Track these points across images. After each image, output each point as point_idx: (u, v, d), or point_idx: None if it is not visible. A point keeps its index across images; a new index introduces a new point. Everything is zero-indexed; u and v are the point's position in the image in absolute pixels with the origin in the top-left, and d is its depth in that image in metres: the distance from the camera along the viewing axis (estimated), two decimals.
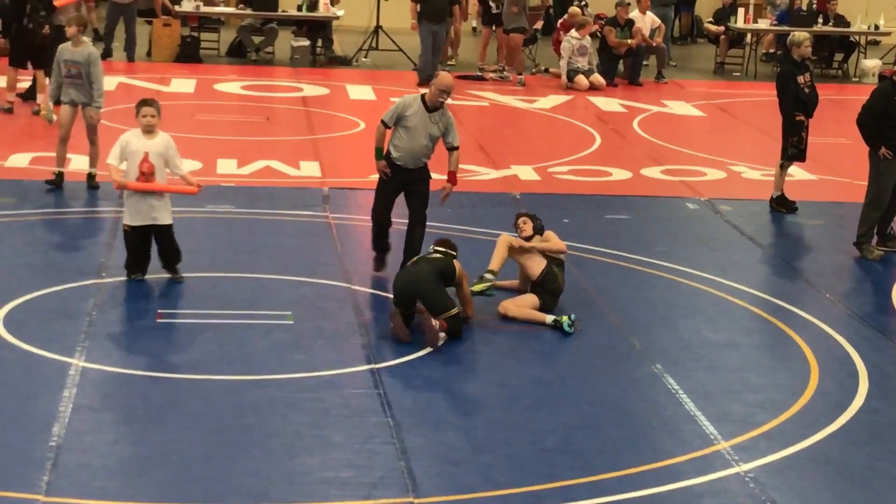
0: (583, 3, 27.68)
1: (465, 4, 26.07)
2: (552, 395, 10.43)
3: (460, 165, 13.33)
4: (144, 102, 12.60)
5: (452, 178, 13.02)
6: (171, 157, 12.44)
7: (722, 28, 27.97)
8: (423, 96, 12.76)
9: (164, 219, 12.34)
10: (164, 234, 12.40)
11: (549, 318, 11.83)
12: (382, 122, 12.82)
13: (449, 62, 25.95)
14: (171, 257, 12.52)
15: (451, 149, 12.95)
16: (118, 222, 14.38)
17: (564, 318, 11.72)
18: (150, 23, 26.03)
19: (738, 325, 12.46)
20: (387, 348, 11.09)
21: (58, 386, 9.93)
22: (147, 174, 12.23)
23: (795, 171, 17.21)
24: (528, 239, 12.37)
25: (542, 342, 11.54)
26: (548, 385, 10.63)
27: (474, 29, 30.19)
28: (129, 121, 19.47)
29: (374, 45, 27.06)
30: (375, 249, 13.15)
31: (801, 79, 16.03)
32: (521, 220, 12.55)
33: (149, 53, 25.77)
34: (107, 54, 24.86)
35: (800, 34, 16.65)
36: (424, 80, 23.34)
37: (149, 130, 12.43)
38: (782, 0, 29.01)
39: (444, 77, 12.86)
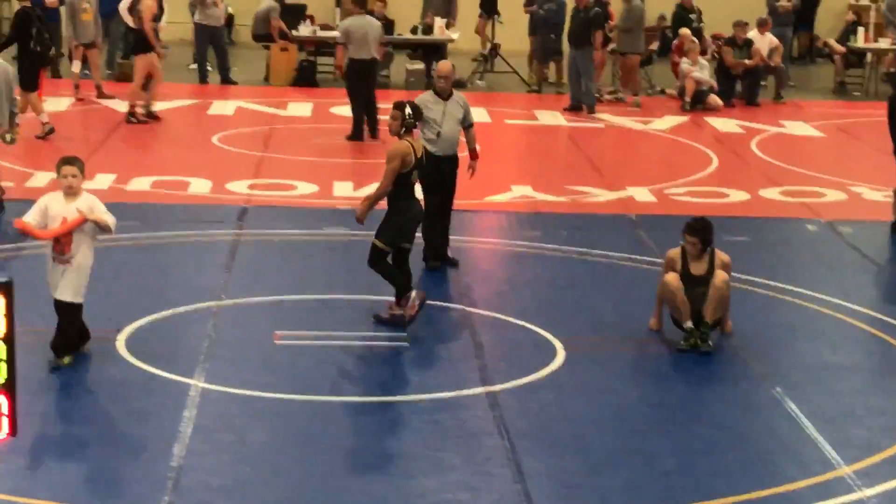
0: (700, 24, 27.56)
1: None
2: (669, 418, 10.37)
3: (574, 187, 13.35)
4: (66, 161, 10.81)
5: (475, 154, 14.08)
6: (99, 216, 10.57)
7: (842, 48, 27.68)
8: (433, 89, 13.92)
9: (65, 294, 10.71)
10: (64, 311, 10.78)
11: (689, 325, 11.71)
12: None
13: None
14: (61, 340, 10.81)
15: (468, 127, 13.95)
16: (237, 245, 14.58)
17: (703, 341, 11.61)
18: (267, 48, 26.34)
19: (860, 349, 12.30)
20: (503, 371, 11.08)
21: (178, 406, 10.06)
22: (63, 243, 10.56)
23: None
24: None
25: (659, 364, 11.48)
26: (665, 408, 10.57)
27: None
28: (249, 143, 19.77)
29: (489, 67, 27.14)
30: (427, 242, 13.85)
31: None
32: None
33: (266, 78, 26.08)
34: (203, 79, 25.19)
35: None
36: (574, 107, 23.44)
37: (71, 193, 10.64)
38: None
39: (441, 64, 14.15)
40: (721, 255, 11.89)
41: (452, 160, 13.83)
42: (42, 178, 17.13)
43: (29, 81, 19.78)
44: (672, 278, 11.72)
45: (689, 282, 11.76)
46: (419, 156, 12.14)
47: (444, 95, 13.76)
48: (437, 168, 13.50)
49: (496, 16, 27.75)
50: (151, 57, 21.27)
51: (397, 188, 11.98)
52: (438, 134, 13.55)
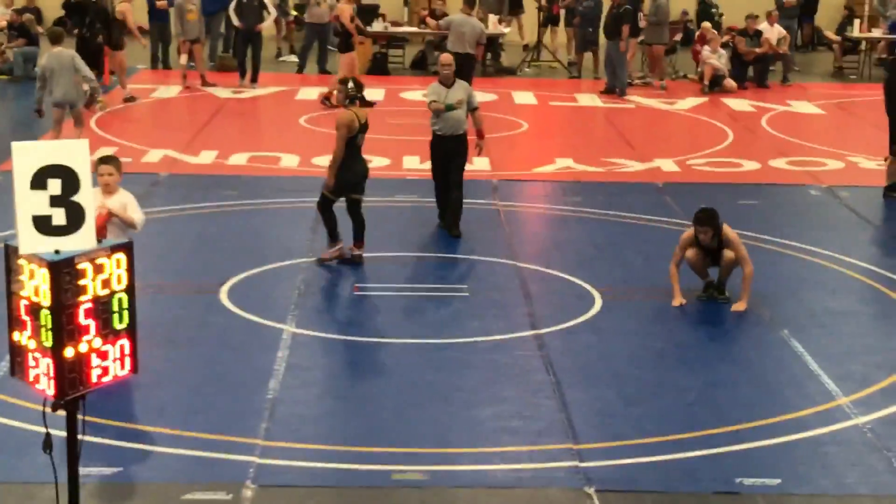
0: (720, 16, 27.32)
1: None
2: (693, 356, 10.33)
3: (609, 159, 13.24)
4: (103, 160, 10.08)
5: (481, 133, 13.67)
6: (125, 215, 9.89)
7: (839, 38, 27.37)
8: (438, 80, 13.63)
9: None
10: None
11: (708, 278, 11.63)
12: (430, 102, 13.55)
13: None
14: None
15: (473, 110, 13.56)
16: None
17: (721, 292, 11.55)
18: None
19: (857, 296, 12.19)
20: (549, 316, 11.06)
21: (273, 348, 10.11)
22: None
23: None
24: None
25: (683, 311, 11.40)
26: (688, 348, 10.53)
27: None
28: (331, 124, 19.79)
29: (535, 57, 27.00)
30: (439, 206, 13.77)
31: None
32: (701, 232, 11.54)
33: None
34: (301, 68, 25.21)
35: None
36: (609, 90, 23.31)
37: (108, 190, 9.94)
38: (893, 13, 28.22)
39: (443, 56, 14.00)
40: (728, 232, 11.64)
41: (458, 139, 13.53)
42: (155, 154, 17.24)
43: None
44: (692, 254, 11.57)
45: (698, 251, 11.66)
46: (363, 122, 12.29)
47: (448, 83, 13.49)
48: (442, 146, 13.49)
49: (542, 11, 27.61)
50: (354, 55, 21.35)
51: (346, 149, 12.19)
52: (451, 109, 13.35)
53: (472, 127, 13.71)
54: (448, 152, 13.49)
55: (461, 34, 20.23)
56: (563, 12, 27.64)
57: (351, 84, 12.34)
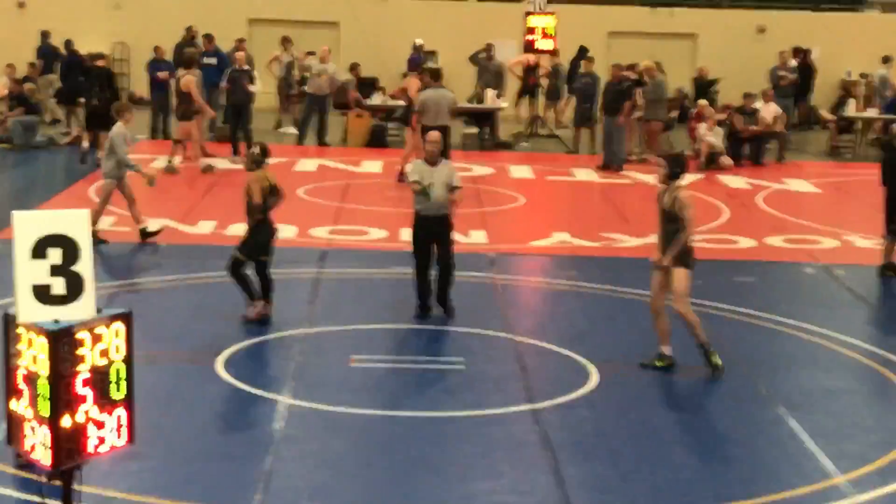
0: (716, 93, 27.55)
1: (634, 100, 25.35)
2: (689, 432, 10.29)
3: (606, 233, 13.18)
4: None
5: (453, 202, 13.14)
6: None
7: (833, 117, 27.58)
8: (424, 158, 13.16)
9: None
10: None
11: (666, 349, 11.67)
12: (412, 183, 13.05)
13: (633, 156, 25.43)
14: None
15: (452, 189, 13.03)
16: (318, 281, 14.61)
17: (715, 360, 11.54)
18: (344, 114, 26.47)
19: (853, 375, 12.16)
20: (545, 391, 11.03)
21: (268, 419, 10.07)
22: None
23: None
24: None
25: (680, 387, 11.39)
26: (685, 424, 10.49)
27: None
28: (329, 196, 19.85)
29: (532, 131, 27.16)
30: (418, 297, 13.19)
31: None
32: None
33: (343, 140, 26.18)
34: (301, 139, 25.39)
35: None
36: (606, 165, 23.42)
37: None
38: (888, 94, 28.48)
39: (429, 134, 13.37)
40: (683, 195, 11.76)
41: (442, 220, 13.01)
42: (154, 223, 17.27)
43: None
44: (656, 303, 11.67)
45: (660, 216, 11.88)
46: (272, 184, 12.68)
47: (433, 161, 13.02)
48: (427, 227, 13.00)
49: (538, 88, 27.82)
50: (193, 123, 21.81)
51: (260, 212, 12.60)
52: (427, 195, 12.83)
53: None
54: (431, 233, 13.02)
55: (438, 108, 20.35)
56: (565, 86, 27.89)
57: (256, 150, 12.73)
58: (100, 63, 23.66)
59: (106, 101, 21.88)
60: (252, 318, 12.69)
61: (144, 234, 16.15)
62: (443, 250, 13.07)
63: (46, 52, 28.93)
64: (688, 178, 22.55)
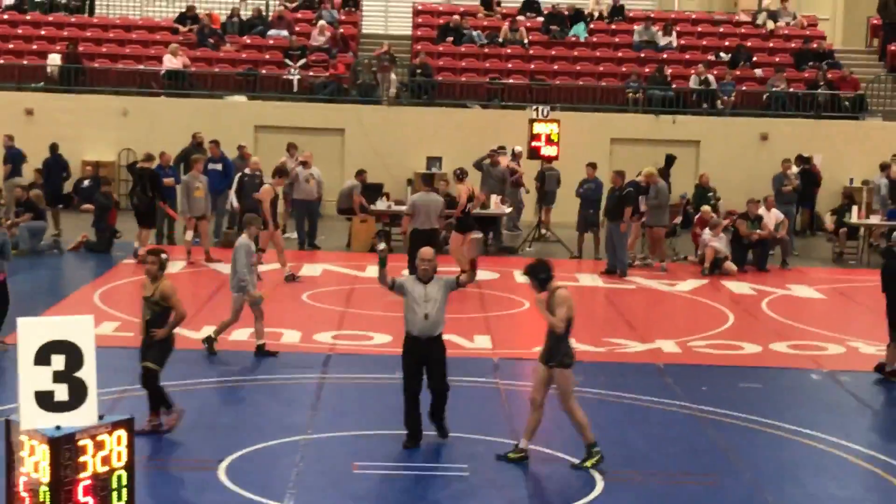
0: (717, 199, 27.67)
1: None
2: None
3: (610, 339, 13.15)
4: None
5: (472, 261, 12.96)
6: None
7: (833, 226, 27.75)
8: (416, 275, 12.41)
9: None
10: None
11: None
12: (391, 282, 12.44)
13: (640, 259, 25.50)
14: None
15: (459, 285, 12.44)
16: (321, 387, 14.57)
17: (591, 462, 11.66)
18: (349, 219, 26.58)
19: (861, 483, 12.07)
20: (550, 499, 10.94)
21: None
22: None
23: None
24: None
25: (687, 495, 11.29)
26: None
27: None
28: (333, 300, 19.87)
29: (536, 237, 27.25)
30: (407, 426, 12.35)
31: None
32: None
33: (348, 245, 26.26)
34: (301, 244, 25.53)
35: None
36: (610, 271, 23.48)
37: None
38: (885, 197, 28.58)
39: (422, 252, 12.51)
40: (559, 293, 11.90)
41: (435, 341, 12.22)
42: None
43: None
44: (534, 396, 11.98)
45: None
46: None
47: (424, 280, 12.29)
48: (419, 350, 12.16)
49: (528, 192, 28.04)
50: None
51: (163, 318, 12.36)
52: (426, 316, 12.09)
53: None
54: (423, 356, 12.20)
55: (427, 211, 20.91)
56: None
57: (164, 256, 12.63)
58: (146, 164, 24.45)
59: (149, 200, 23.51)
60: (172, 426, 12.41)
61: (260, 350, 16.01)
62: (436, 376, 12.25)
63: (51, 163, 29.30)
64: (691, 284, 22.62)
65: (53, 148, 28.57)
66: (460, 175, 23.67)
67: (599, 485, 11.33)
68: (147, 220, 23.77)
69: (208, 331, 17.24)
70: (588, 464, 11.70)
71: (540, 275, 11.92)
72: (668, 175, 28.46)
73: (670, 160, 29.06)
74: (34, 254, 23.44)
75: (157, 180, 24.00)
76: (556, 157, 26.96)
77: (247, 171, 23.97)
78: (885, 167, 29.10)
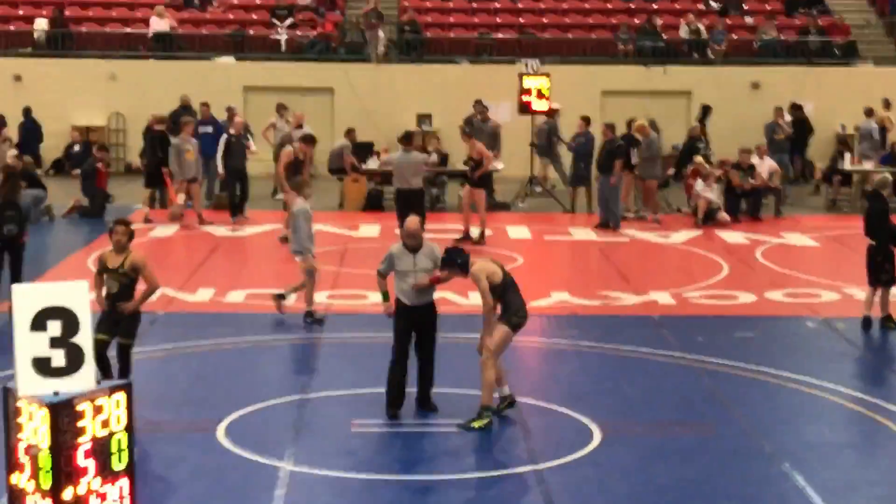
0: (709, 152, 27.68)
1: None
2: (694, 491, 10.25)
3: (605, 292, 13.15)
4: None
5: (434, 278, 11.99)
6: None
7: (822, 173, 27.81)
8: (402, 241, 12.19)
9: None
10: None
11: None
12: (378, 272, 12.29)
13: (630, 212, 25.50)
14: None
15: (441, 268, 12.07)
16: (318, 347, 14.62)
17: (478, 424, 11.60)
18: (341, 179, 26.55)
19: (857, 428, 12.15)
20: (547, 452, 11.01)
21: (270, 486, 10.05)
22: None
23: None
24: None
25: (683, 444, 11.36)
26: (689, 482, 10.45)
27: None
28: (327, 260, 19.89)
29: (529, 192, 27.25)
30: (389, 392, 12.04)
31: None
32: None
33: (340, 205, 26.24)
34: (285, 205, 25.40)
35: (888, 178, 16.65)
36: (603, 224, 23.48)
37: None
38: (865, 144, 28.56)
39: (408, 223, 12.17)
40: (475, 272, 11.74)
41: (427, 309, 12.12)
42: None
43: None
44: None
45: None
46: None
47: (412, 249, 12.07)
48: (410, 317, 12.05)
49: (534, 148, 27.89)
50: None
51: (130, 291, 11.85)
52: (416, 285, 11.93)
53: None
54: (415, 324, 12.07)
55: (402, 171, 20.53)
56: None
57: (132, 227, 12.16)
58: (159, 127, 24.60)
59: (159, 162, 23.71)
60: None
61: (310, 316, 15.87)
62: (426, 345, 12.15)
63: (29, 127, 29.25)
64: (684, 235, 22.66)
65: (27, 112, 28.47)
66: (469, 132, 23.54)
67: (597, 436, 11.40)
68: (155, 181, 24.07)
69: (204, 294, 17.29)
70: (475, 424, 11.55)
71: (457, 260, 11.88)
72: (705, 126, 28.67)
73: (706, 110, 29.21)
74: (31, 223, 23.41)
75: (167, 143, 24.00)
76: (547, 112, 26.91)
77: (231, 131, 23.90)
78: (870, 113, 29.06)
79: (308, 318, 15.74)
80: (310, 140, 22.10)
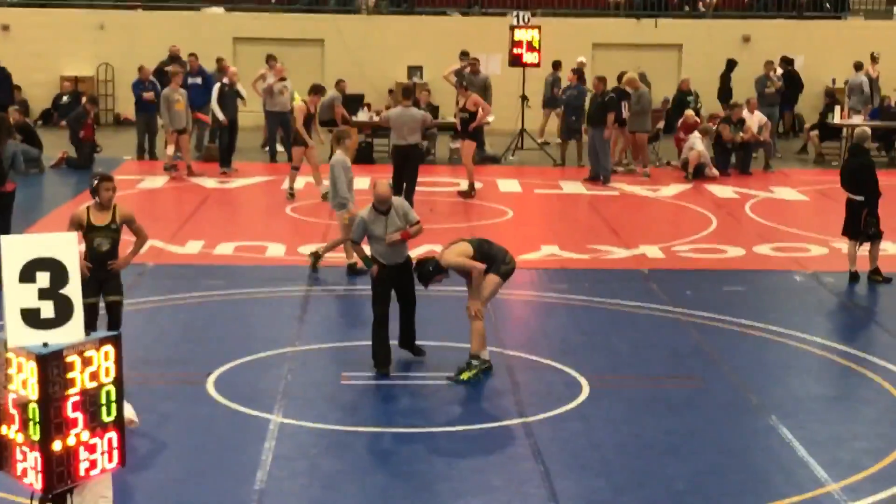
0: (698, 105, 27.64)
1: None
2: (682, 444, 10.31)
3: (594, 246, 13.12)
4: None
5: (405, 234, 12.04)
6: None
7: (811, 129, 27.78)
8: (372, 205, 12.14)
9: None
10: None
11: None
12: (352, 241, 12.47)
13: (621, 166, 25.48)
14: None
15: (412, 224, 12.18)
16: (307, 299, 14.62)
17: (465, 376, 11.63)
18: (331, 131, 26.39)
19: (842, 382, 12.21)
20: (536, 404, 11.05)
21: (260, 438, 10.08)
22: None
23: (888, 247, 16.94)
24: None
25: (672, 397, 11.41)
26: (678, 435, 10.50)
27: None
28: (316, 213, 19.87)
29: (519, 145, 27.21)
30: (375, 351, 12.01)
31: None
32: None
33: (330, 157, 26.12)
34: (272, 158, 25.30)
35: (866, 130, 16.74)
36: (593, 178, 23.45)
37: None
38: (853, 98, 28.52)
39: (379, 188, 12.19)
40: (445, 261, 11.81)
41: (402, 267, 12.21)
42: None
43: None
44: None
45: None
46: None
47: (382, 211, 12.08)
48: (388, 276, 12.07)
49: (525, 101, 27.80)
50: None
51: (117, 248, 11.56)
52: (390, 245, 12.00)
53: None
54: (393, 281, 12.15)
55: (400, 127, 20.16)
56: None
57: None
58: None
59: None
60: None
61: (352, 268, 15.76)
62: (406, 295, 12.27)
63: None
64: (674, 189, 22.65)
65: None
66: (466, 86, 23.40)
67: (585, 389, 11.44)
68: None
69: (193, 246, 17.27)
70: (464, 376, 11.61)
71: (430, 268, 11.86)
72: (730, 80, 28.70)
73: (731, 64, 29.24)
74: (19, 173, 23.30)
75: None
76: (537, 65, 26.81)
77: (225, 80, 23.75)
78: (859, 66, 29.00)
79: (352, 271, 15.64)
80: (319, 90, 21.93)
